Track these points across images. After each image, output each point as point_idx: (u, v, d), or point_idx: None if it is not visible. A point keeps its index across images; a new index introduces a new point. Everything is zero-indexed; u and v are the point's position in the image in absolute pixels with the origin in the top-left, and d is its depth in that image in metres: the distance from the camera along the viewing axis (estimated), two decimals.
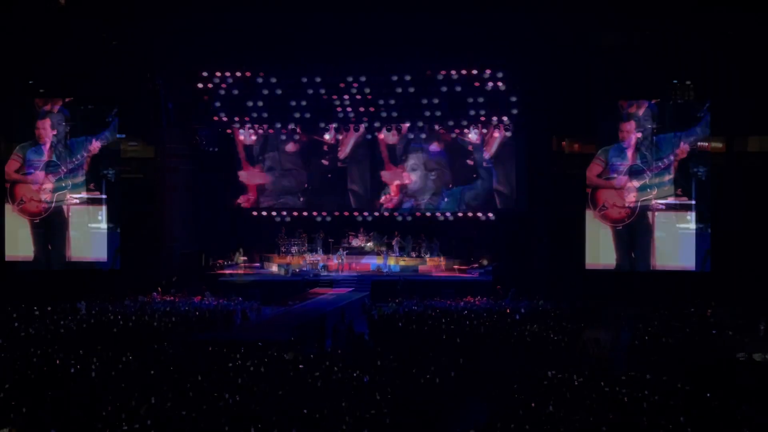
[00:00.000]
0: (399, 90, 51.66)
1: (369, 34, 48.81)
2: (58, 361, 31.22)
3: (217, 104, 53.37)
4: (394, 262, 52.68)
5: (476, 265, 52.64)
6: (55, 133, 50.02)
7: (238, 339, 36.67)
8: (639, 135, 46.57)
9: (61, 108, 49.95)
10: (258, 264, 55.10)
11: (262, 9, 48.48)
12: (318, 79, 51.77)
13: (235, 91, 52.97)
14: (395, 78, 51.28)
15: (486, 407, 27.49)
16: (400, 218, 54.94)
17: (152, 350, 34.05)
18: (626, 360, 33.79)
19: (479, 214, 54.23)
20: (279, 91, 52.33)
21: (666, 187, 46.60)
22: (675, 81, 48.83)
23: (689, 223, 46.53)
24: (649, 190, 46.61)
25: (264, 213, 56.53)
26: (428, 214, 54.71)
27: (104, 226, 50.04)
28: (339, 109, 52.92)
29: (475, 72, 50.62)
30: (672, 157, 46.39)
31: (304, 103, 52.67)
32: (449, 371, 29.94)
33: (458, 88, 51.07)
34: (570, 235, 47.85)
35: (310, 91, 52.21)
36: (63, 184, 50.09)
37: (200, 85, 52.59)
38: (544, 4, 46.59)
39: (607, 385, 27.42)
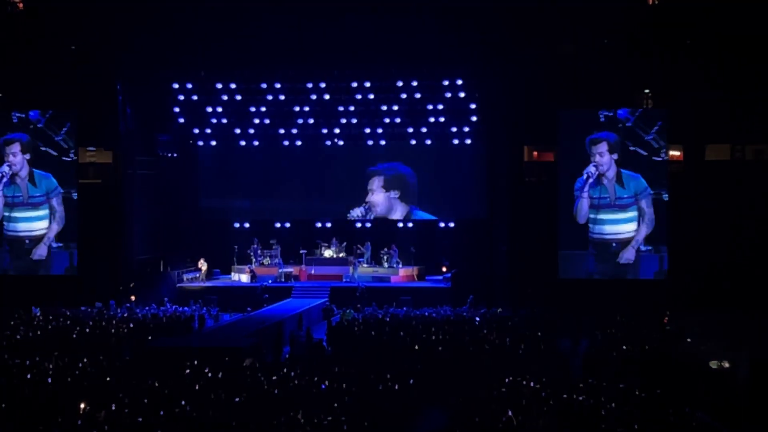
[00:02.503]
0: (359, 97, 51.64)
1: (330, 41, 48.69)
2: (13, 368, 31.01)
3: (176, 110, 53.29)
4: (364, 272, 52.53)
5: (450, 276, 52.56)
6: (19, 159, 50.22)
7: (196, 345, 36.52)
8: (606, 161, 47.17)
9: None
10: (216, 270, 54.99)
11: (219, 16, 48.37)
12: (278, 86, 51.72)
13: (194, 97, 52.85)
14: (355, 85, 51.27)
15: (444, 414, 27.45)
16: (359, 225, 55.09)
17: (109, 356, 33.80)
18: (583, 367, 33.83)
19: (440, 223, 54.52)
20: (239, 97, 52.25)
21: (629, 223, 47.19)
22: (634, 89, 49.04)
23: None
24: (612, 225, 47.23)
25: (224, 221, 56.62)
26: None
27: (60, 243, 50.27)
28: (300, 116, 53.03)
29: (428, 81, 50.93)
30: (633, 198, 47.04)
31: (263, 109, 52.69)
32: (407, 378, 29.89)
33: (418, 96, 51.18)
34: (531, 243, 48.05)
35: (270, 97, 52.15)
36: (25, 215, 50.32)
37: (162, 91, 52.61)
38: (502, 13, 46.76)
39: (564, 391, 27.45)
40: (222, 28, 48.68)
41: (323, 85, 51.59)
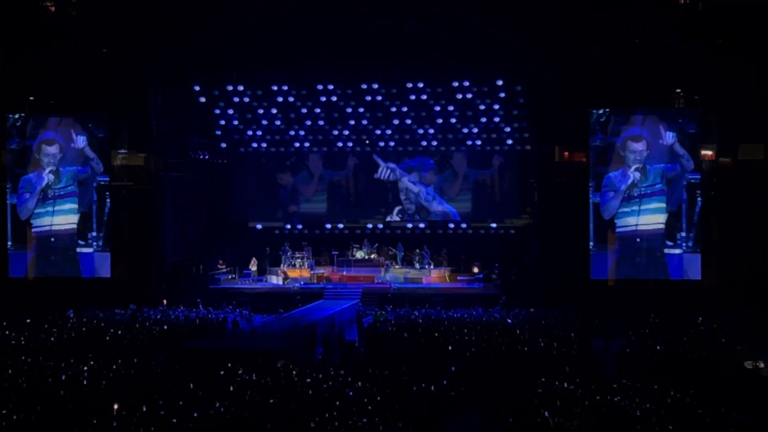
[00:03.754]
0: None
1: (373, 44, 48.74)
2: (48, 370, 31.19)
3: (217, 111, 53.57)
4: (397, 274, 52.47)
5: (481, 277, 52.38)
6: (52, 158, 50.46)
7: (229, 347, 36.62)
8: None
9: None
10: (248, 271, 55.06)
11: (254, 18, 48.47)
12: (320, 87, 51.97)
13: (235, 99, 53.09)
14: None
15: (478, 415, 27.47)
16: (399, 231, 55.29)
17: (143, 358, 33.94)
18: (617, 368, 33.74)
19: (472, 224, 54.55)
20: (280, 99, 52.72)
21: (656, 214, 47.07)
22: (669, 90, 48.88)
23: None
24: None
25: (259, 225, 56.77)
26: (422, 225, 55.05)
27: (94, 246, 50.50)
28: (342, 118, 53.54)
29: (465, 83, 50.93)
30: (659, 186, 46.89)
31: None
32: (441, 379, 29.89)
33: (459, 97, 51.31)
34: (566, 245, 47.98)
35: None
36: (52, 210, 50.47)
37: (198, 95, 52.86)
38: (533, 14, 46.73)
39: (598, 392, 27.40)
40: (257, 31, 48.79)
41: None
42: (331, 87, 51.85)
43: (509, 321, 41.19)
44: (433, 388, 28.89)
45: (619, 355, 35.32)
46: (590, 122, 47.73)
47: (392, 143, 55.32)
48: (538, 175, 49.83)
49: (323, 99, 52.58)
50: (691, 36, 46.61)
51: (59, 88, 50.46)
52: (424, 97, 51.83)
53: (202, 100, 53.15)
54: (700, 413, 25.19)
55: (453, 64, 49.99)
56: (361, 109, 52.96)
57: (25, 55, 49.88)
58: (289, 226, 56.69)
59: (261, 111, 53.72)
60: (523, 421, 24.81)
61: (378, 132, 54.42)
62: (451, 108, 52.21)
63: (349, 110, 53.02)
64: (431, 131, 54.12)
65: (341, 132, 54.82)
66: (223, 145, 56.05)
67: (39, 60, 49.95)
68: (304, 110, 53.34)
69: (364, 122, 53.76)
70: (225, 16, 48.35)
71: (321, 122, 54.05)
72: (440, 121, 53.12)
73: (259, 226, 56.96)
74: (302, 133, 55.08)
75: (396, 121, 53.60)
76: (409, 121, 53.47)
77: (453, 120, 52.96)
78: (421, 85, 51.23)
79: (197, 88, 52.63)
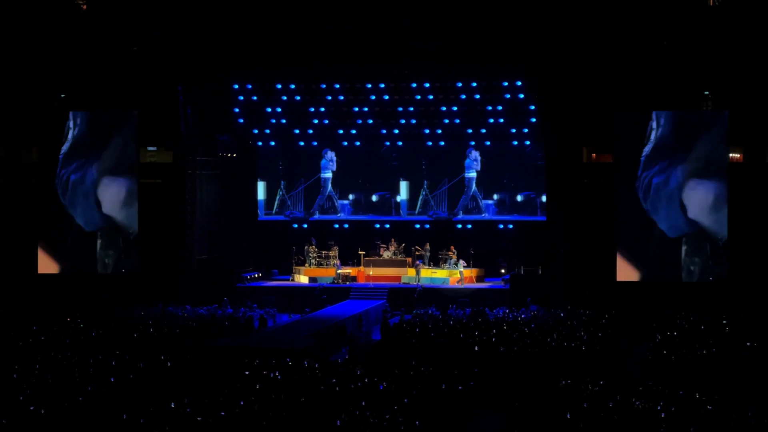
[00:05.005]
0: (418, 98, 51.90)
1: (388, 42, 48.83)
2: (75, 367, 31.43)
3: (236, 110, 53.71)
4: (425, 274, 52.46)
5: (508, 278, 52.26)
6: None
7: (256, 345, 36.79)
8: None
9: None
10: (275, 270, 55.18)
11: (280, 16, 48.67)
12: (337, 86, 52.01)
13: (254, 98, 53.25)
14: (415, 86, 51.45)
15: (503, 416, 27.53)
16: (418, 226, 55.17)
17: (170, 356, 34.12)
18: (642, 370, 33.73)
19: (500, 224, 54.50)
20: (298, 98, 52.72)
21: None
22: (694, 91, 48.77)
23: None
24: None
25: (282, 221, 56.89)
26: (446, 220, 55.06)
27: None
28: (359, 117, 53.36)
29: (494, 82, 50.95)
30: None
31: (323, 109, 53.07)
32: (466, 380, 29.97)
33: (477, 97, 51.28)
34: (590, 245, 47.99)
35: (329, 98, 52.61)
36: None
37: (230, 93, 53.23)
38: (561, 14, 46.75)
39: (623, 395, 27.42)
40: (282, 29, 48.95)
41: (382, 86, 51.81)
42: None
43: (533, 324, 41.18)
44: (458, 389, 28.98)
45: (644, 357, 35.29)
46: (616, 124, 47.70)
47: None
48: (565, 176, 49.64)
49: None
50: (719, 38, 46.57)
51: (90, 86, 50.71)
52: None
53: (241, 98, 53.38)
54: (726, 417, 25.18)
55: (480, 64, 50.06)
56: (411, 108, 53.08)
57: (57, 52, 50.19)
58: (306, 226, 56.62)
59: (269, 109, 54.00)
60: (546, 423, 24.85)
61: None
62: (463, 108, 52.31)
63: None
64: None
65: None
66: (252, 143, 56.13)
67: (70, 58, 50.25)
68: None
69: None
70: (254, 15, 48.59)
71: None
72: (457, 121, 53.05)
73: (292, 225, 56.83)
74: (343, 131, 55.07)
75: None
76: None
77: (464, 119, 52.99)
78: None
79: (236, 87, 52.87)
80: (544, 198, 52.80)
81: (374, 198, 56.54)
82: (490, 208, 55.35)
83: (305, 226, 56.48)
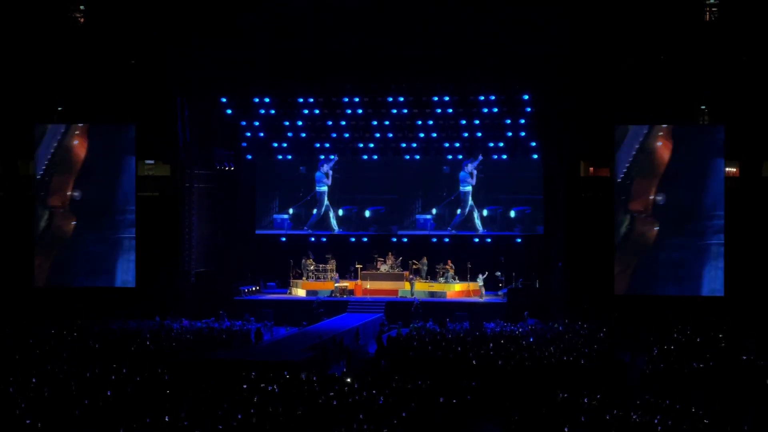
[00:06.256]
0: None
1: (396, 56, 48.95)
2: (73, 379, 31.41)
3: (235, 124, 53.74)
4: (421, 287, 52.46)
5: (505, 291, 52.14)
6: None
7: (253, 358, 36.76)
8: None
9: None
10: (272, 283, 55.13)
11: (278, 31, 48.80)
12: (346, 100, 52.25)
13: (262, 111, 53.33)
14: (425, 99, 51.65)
15: (501, 429, 27.54)
16: (414, 242, 55.18)
17: (167, 369, 34.09)
18: (640, 383, 33.74)
19: (497, 238, 54.48)
20: (317, 111, 53.04)
21: None
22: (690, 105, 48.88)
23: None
24: None
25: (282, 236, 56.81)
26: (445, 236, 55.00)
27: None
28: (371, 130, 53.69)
29: (484, 97, 51.10)
30: None
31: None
32: (465, 393, 29.97)
33: (486, 111, 51.44)
34: (588, 258, 48.06)
35: (343, 111, 53.01)
36: None
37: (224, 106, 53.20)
38: (560, 28, 46.87)
39: (621, 408, 27.41)
40: (280, 43, 49.04)
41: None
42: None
43: (531, 338, 41.18)
44: (455, 402, 28.98)
45: (642, 370, 35.31)
46: (614, 137, 47.82)
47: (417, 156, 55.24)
48: (563, 189, 49.68)
49: (348, 111, 52.78)
50: (716, 52, 46.73)
51: (88, 99, 50.79)
52: (450, 110, 52.09)
53: (229, 112, 53.29)
54: (723, 430, 25.20)
55: (477, 78, 50.12)
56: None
57: (54, 66, 50.29)
58: (313, 239, 56.54)
59: (287, 123, 53.97)
60: None
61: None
62: (476, 122, 52.23)
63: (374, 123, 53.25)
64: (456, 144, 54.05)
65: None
66: (249, 156, 56.10)
67: (68, 71, 50.35)
68: (329, 122, 53.39)
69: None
70: (250, 29, 48.70)
71: (346, 134, 54.00)
72: (466, 134, 53.09)
73: (283, 238, 56.80)
74: (327, 144, 54.97)
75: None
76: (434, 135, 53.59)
77: (478, 133, 52.95)
78: (447, 98, 51.42)
79: (224, 100, 52.78)
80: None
81: (367, 214, 56.48)
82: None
83: (312, 239, 56.38)
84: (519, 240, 54.26)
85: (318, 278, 53.53)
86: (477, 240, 54.87)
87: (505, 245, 54.34)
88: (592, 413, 27.03)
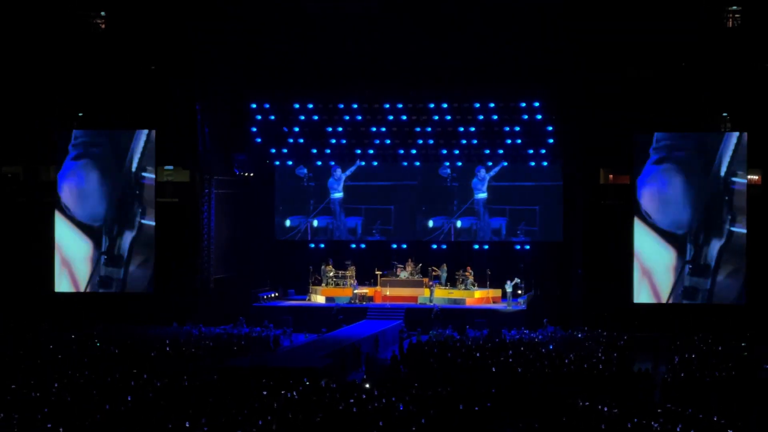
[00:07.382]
0: (436, 118, 51.78)
1: (407, 63, 48.94)
2: (92, 385, 31.46)
3: (254, 129, 53.64)
4: (440, 294, 52.34)
5: (525, 298, 51.99)
6: None
7: (272, 365, 36.74)
8: None
9: None
10: (291, 290, 55.08)
11: (297, 37, 48.89)
12: (355, 106, 51.82)
13: (272, 117, 53.17)
14: (432, 106, 51.35)
15: None
16: (434, 246, 54.95)
17: (186, 375, 34.11)
18: (661, 392, 33.63)
19: (516, 245, 54.26)
20: (316, 118, 52.60)
21: None
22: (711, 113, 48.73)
23: None
24: None
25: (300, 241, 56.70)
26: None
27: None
28: (376, 137, 53.31)
29: (512, 103, 50.77)
30: None
31: (340, 129, 52.98)
32: (484, 401, 29.89)
33: (494, 118, 51.15)
34: (607, 266, 47.95)
35: (347, 118, 52.49)
36: None
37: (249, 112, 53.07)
38: (579, 36, 46.80)
39: (641, 417, 27.31)
40: (300, 49, 49.12)
41: (400, 106, 51.66)
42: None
43: (552, 346, 41.10)
44: (474, 409, 28.90)
45: (662, 379, 35.19)
46: (634, 145, 47.77)
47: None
48: (582, 197, 49.59)
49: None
50: (738, 59, 46.61)
51: (108, 105, 50.94)
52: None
53: (258, 117, 53.10)
54: None
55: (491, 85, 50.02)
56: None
57: (75, 72, 50.45)
58: (323, 245, 56.37)
59: (286, 129, 53.91)
60: None
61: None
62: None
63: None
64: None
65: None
66: (269, 162, 56.05)
67: (88, 77, 50.51)
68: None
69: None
70: (270, 35, 48.79)
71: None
72: (475, 141, 52.94)
73: (312, 245, 56.58)
74: (361, 150, 54.70)
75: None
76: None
77: (480, 139, 52.84)
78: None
79: (254, 106, 52.63)
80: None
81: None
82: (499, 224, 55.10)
83: (322, 245, 56.31)
84: (530, 247, 54.06)
85: (337, 285, 53.43)
86: (488, 247, 54.68)
87: (524, 252, 54.23)
88: (613, 422, 26.95)
